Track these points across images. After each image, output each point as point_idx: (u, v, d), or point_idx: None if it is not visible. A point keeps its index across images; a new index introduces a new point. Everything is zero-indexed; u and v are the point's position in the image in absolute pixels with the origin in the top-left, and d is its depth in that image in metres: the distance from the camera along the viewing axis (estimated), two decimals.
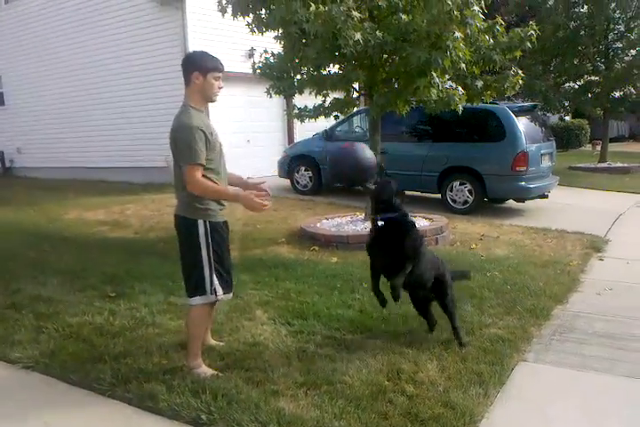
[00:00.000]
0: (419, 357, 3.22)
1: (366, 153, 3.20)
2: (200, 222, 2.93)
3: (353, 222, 6.64)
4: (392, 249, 3.13)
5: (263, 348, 3.39)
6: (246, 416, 2.60)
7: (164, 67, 10.58)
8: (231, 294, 3.13)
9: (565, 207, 8.82)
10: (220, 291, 2.99)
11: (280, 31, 6.06)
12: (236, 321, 3.80)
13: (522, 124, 8.06)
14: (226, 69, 3.03)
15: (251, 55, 7.10)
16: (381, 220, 3.16)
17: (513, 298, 4.29)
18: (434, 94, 5.78)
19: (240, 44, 10.22)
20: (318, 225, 6.63)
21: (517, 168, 7.87)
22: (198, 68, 2.90)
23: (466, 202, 8.21)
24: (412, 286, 3.25)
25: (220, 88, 2.99)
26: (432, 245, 6.00)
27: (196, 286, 2.97)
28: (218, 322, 3.77)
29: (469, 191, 8.16)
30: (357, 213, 7.14)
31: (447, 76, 6.05)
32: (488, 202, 8.56)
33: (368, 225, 6.37)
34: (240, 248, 5.94)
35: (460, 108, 6.01)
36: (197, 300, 2.99)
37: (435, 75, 5.62)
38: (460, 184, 8.23)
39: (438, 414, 2.62)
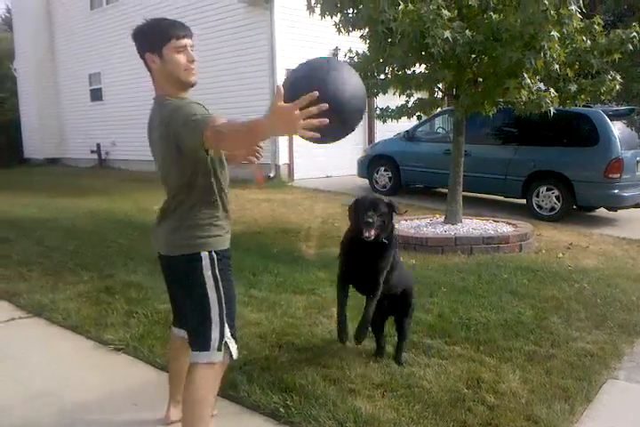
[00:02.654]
0: (500, 367, 3.12)
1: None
2: (205, 255, 2.15)
3: (432, 225, 6.53)
4: (375, 264, 2.97)
5: (340, 346, 3.40)
6: (323, 413, 2.62)
7: (252, 66, 10.94)
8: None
9: None
10: (233, 346, 2.22)
11: (366, 30, 6.07)
12: (314, 317, 3.84)
13: (617, 128, 7.62)
14: None
15: (335, 55, 7.18)
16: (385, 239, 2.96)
17: (603, 312, 4.07)
18: (524, 96, 5.58)
19: (325, 43, 10.36)
20: (397, 226, 6.56)
21: (611, 175, 7.45)
22: (147, 46, 2.11)
23: (553, 208, 7.86)
24: (384, 294, 3.06)
25: (191, 62, 2.11)
26: (515, 252, 5.81)
27: (203, 339, 2.18)
28: (296, 317, 3.84)
29: (557, 197, 7.81)
30: (437, 215, 7.02)
31: (537, 78, 5.81)
32: (577, 209, 8.15)
33: (448, 228, 6.26)
34: (317, 245, 6.02)
35: (553, 110, 5.75)
36: (203, 357, 2.18)
37: (526, 75, 5.42)
38: (547, 190, 7.89)
39: None
